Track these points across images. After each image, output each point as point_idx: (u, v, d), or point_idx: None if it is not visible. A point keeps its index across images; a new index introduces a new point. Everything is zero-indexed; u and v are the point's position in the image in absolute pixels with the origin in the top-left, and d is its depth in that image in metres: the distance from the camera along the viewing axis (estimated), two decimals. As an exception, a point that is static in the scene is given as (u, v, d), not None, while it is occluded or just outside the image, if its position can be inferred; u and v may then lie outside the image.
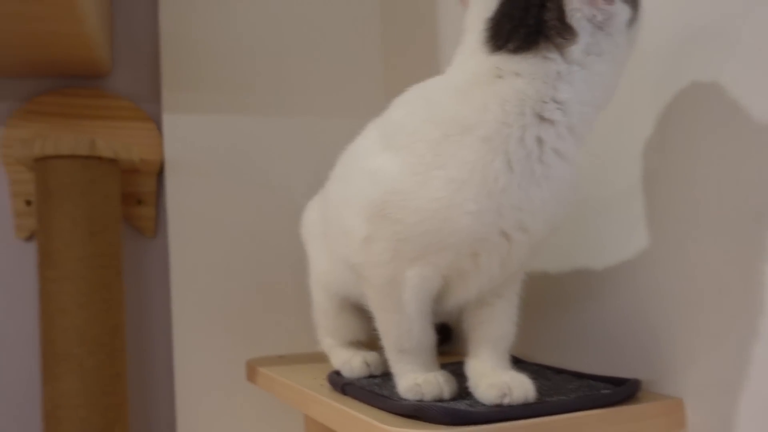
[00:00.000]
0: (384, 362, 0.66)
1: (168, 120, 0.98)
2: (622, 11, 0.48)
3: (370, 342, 0.70)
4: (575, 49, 0.48)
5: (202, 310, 0.97)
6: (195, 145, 0.98)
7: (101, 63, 0.95)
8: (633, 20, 0.49)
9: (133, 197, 0.99)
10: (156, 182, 0.99)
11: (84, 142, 0.85)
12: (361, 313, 0.68)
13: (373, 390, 0.59)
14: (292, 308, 0.98)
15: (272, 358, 0.88)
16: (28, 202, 0.96)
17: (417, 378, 0.55)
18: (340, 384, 0.63)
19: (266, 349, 0.93)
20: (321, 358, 0.77)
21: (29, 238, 0.96)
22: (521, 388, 0.52)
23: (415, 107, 0.55)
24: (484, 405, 0.52)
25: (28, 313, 0.95)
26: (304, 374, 0.73)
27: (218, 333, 0.97)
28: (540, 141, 0.49)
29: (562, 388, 0.57)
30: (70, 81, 0.99)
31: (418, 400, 0.54)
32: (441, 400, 0.54)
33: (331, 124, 1.03)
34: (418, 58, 0.98)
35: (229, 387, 0.96)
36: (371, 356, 0.67)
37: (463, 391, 0.55)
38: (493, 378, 0.54)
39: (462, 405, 0.52)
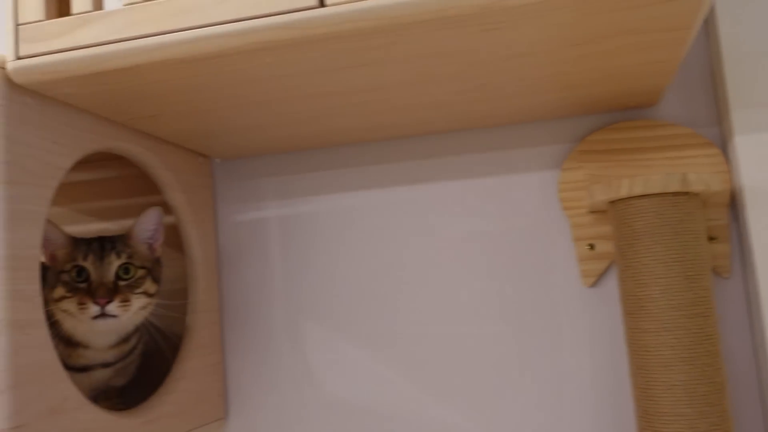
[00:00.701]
0: None
1: (741, 143, 0.85)
2: None
3: None
4: None
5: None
6: (777, 167, 0.84)
7: (655, 91, 0.87)
8: None
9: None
10: (727, 215, 0.87)
11: (675, 177, 0.77)
12: None
13: None
14: None
15: None
16: (591, 246, 0.91)
17: None
18: None
19: None
20: None
21: (594, 284, 0.92)
22: None
23: None
24: None
25: (601, 362, 0.90)
26: None
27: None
28: None
29: None
30: (618, 115, 0.93)
31: None
32: None
33: None
34: None
35: None
36: None
37: None
38: None
39: None
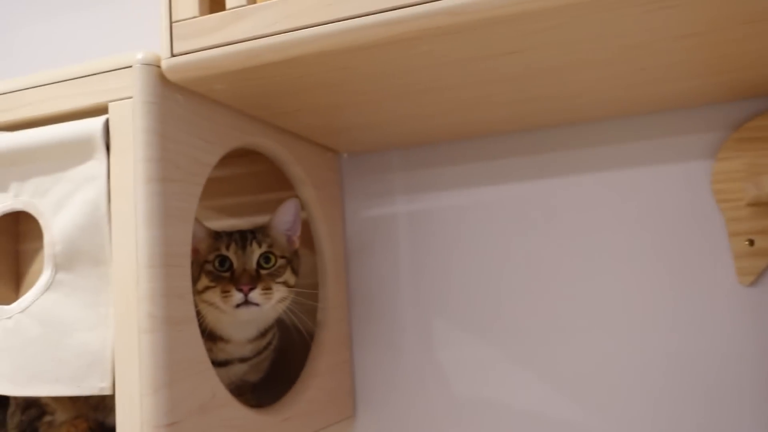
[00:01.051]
0: None
1: None
2: None
3: None
4: None
5: None
6: None
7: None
8: None
9: None
10: None
11: None
12: None
13: None
14: None
15: None
16: (750, 242, 0.84)
17: None
18: None
19: None
20: None
21: (753, 283, 0.85)
22: None
23: None
24: None
25: (762, 366, 0.83)
26: None
27: None
28: None
29: None
30: (778, 99, 0.86)
31: None
32: None
33: None
34: None
35: None
36: None
37: None
38: None
39: None
